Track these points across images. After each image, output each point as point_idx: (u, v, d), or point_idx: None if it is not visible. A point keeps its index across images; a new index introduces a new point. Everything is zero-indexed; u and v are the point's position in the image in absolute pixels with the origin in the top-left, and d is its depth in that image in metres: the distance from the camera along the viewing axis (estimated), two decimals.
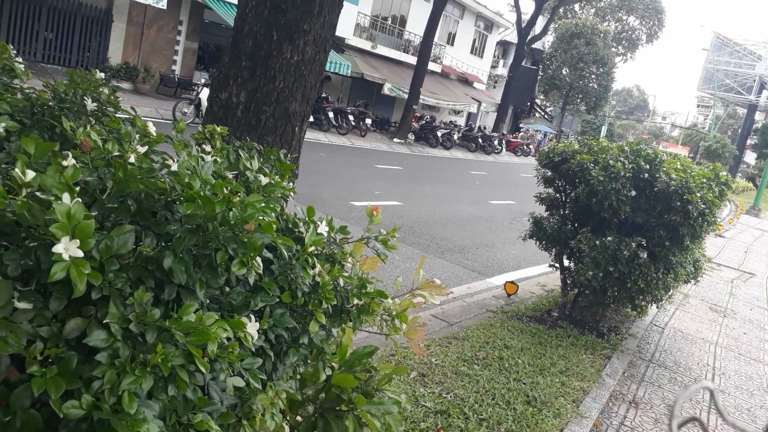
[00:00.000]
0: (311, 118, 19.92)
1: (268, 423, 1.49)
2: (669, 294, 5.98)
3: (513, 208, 14.25)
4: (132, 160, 1.41)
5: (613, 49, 47.50)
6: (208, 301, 1.40)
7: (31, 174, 1.14)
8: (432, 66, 29.00)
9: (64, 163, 1.25)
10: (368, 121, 23.54)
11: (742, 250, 15.23)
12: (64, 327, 1.14)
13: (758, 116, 62.79)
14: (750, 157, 63.15)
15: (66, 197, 1.10)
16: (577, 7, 48.52)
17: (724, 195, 5.73)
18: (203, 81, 16.89)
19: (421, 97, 26.36)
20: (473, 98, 33.97)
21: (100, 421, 1.07)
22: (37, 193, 1.16)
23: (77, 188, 1.23)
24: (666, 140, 76.09)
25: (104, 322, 1.14)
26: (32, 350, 1.08)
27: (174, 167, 1.50)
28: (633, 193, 5.37)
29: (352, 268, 2.01)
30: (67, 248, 1.04)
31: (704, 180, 5.44)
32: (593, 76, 45.13)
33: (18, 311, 1.10)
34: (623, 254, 5.24)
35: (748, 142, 59.74)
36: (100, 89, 2.19)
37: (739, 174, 56.12)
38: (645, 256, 5.27)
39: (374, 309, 1.93)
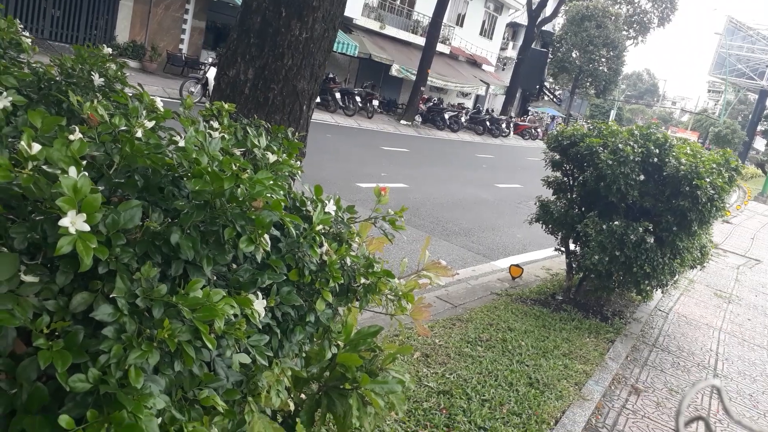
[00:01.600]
0: (318, 99, 19.86)
1: (273, 400, 1.50)
2: (675, 279, 5.97)
3: (519, 192, 14.20)
4: (139, 135, 1.40)
5: (624, 32, 46.90)
6: (215, 277, 1.40)
7: (37, 147, 1.13)
8: (440, 47, 28.74)
9: (71, 137, 1.24)
10: (375, 102, 23.40)
11: (749, 236, 15.16)
12: (70, 301, 1.14)
13: None
14: (760, 144, 62.63)
15: (72, 171, 1.10)
16: None
17: (733, 181, 5.69)
18: (210, 60, 16.80)
19: (429, 78, 26.16)
20: (482, 80, 33.70)
21: (106, 395, 1.07)
22: (44, 167, 1.15)
23: (84, 162, 1.23)
24: (675, 125, 75.49)
25: (111, 296, 1.14)
26: (39, 323, 1.08)
27: (181, 143, 1.49)
28: (641, 177, 5.33)
29: (358, 247, 2.00)
30: (73, 222, 1.04)
31: (714, 165, 5.40)
32: (603, 60, 44.62)
33: (24, 285, 1.10)
34: (630, 239, 5.22)
35: (759, 128, 59.16)
36: (108, 65, 2.18)
37: (748, 160, 55.67)
38: (652, 240, 5.25)
39: (381, 288, 1.93)
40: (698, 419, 1.37)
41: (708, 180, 5.08)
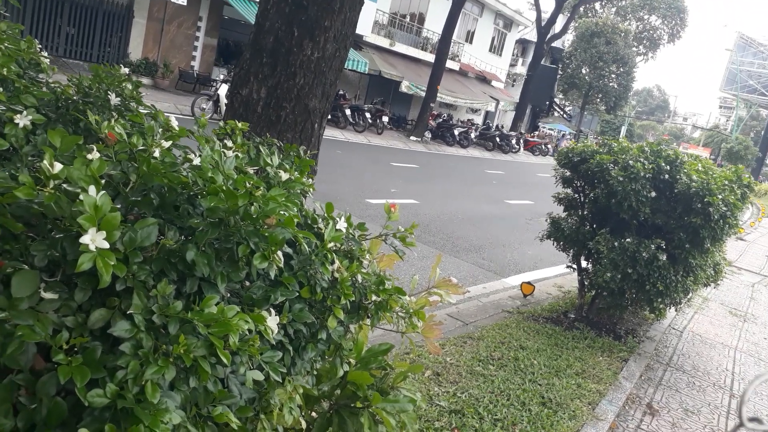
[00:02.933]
0: (328, 116, 19.98)
1: (286, 417, 1.51)
2: (688, 297, 5.91)
3: (530, 208, 14.17)
4: (156, 154, 1.43)
5: (634, 48, 46.97)
6: (228, 294, 1.42)
7: (58, 166, 1.16)
8: (450, 64, 28.91)
9: (89, 156, 1.27)
10: (385, 118, 23.53)
11: (763, 253, 15.00)
12: (88, 317, 1.16)
13: None
14: None
15: (92, 189, 1.12)
16: (597, 5, 48.11)
17: (746, 198, 5.65)
18: (222, 77, 17.00)
19: (438, 95, 26.30)
20: (491, 97, 33.80)
21: (123, 410, 1.09)
22: (64, 185, 1.18)
23: (102, 181, 1.25)
24: (687, 141, 75.11)
25: (128, 313, 1.16)
26: (58, 339, 1.10)
27: (196, 161, 1.52)
28: (653, 194, 5.32)
29: (369, 264, 2.01)
30: (93, 239, 1.06)
31: (726, 182, 5.37)
32: (613, 76, 44.66)
33: (44, 301, 1.12)
34: (642, 256, 5.19)
35: None
36: (123, 84, 2.22)
37: (762, 177, 55.25)
38: (664, 258, 5.22)
39: (392, 306, 1.93)
40: (755, 420, 1.37)
41: (720, 197, 5.05)
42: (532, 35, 38.62)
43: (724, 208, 5.05)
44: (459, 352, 4.65)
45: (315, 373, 1.87)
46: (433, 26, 29.30)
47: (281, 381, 1.46)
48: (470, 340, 4.97)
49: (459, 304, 6.03)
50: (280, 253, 1.38)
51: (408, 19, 29.14)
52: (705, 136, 72.97)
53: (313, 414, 1.99)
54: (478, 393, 3.99)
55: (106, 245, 1.07)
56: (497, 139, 30.23)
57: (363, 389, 1.76)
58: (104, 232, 1.07)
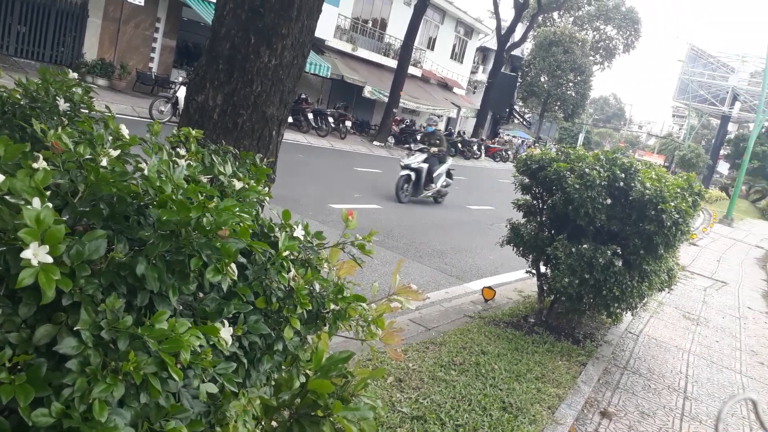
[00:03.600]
0: (290, 120, 19.87)
1: (240, 430, 1.48)
2: (643, 302, 6.07)
3: (492, 214, 14.34)
4: (104, 163, 1.39)
5: (591, 57, 48.23)
6: (181, 307, 1.39)
7: (0, 177, 1.11)
8: (412, 70, 29.10)
9: (35, 165, 1.22)
10: (348, 123, 23.53)
11: (715, 258, 15.51)
12: (33, 333, 1.11)
13: (731, 127, 64.13)
14: (723, 167, 64.35)
15: (36, 201, 1.08)
16: (556, 15, 49.22)
17: (697, 205, 5.83)
18: (181, 79, 16.73)
19: (401, 100, 26.43)
20: (453, 103, 34.16)
21: (70, 429, 1.05)
22: (7, 197, 1.14)
23: (48, 192, 1.21)
24: (642, 149, 77.28)
25: (75, 329, 1.12)
26: (1, 357, 1.05)
27: (146, 171, 1.48)
28: (608, 201, 5.44)
29: (328, 273, 2.00)
30: (36, 254, 1.02)
31: (678, 190, 5.54)
32: (571, 84, 45.77)
33: None
34: (599, 262, 5.30)
35: (721, 152, 60.93)
36: (74, 89, 2.16)
37: (713, 184, 57.21)
38: (620, 264, 5.34)
39: (351, 314, 1.92)
40: None
41: (673, 204, 5.20)
42: (492, 43, 39.20)
43: (677, 215, 5.20)
44: (421, 357, 4.66)
45: (273, 383, 1.84)
46: (395, 32, 29.47)
47: (237, 392, 1.43)
48: (432, 345, 4.99)
49: (422, 309, 6.05)
50: (233, 265, 1.36)
51: (370, 24, 29.24)
52: (659, 143, 75.19)
53: (273, 424, 1.96)
54: (440, 399, 4.01)
55: (50, 260, 1.03)
56: (459, 146, 30.55)
57: (324, 398, 1.75)
58: (47, 246, 1.04)
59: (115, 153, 1.43)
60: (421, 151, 13.38)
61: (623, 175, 5.52)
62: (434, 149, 13.50)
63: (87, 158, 1.39)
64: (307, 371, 1.76)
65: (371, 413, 1.79)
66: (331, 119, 22.25)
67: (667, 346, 6.75)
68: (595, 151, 6.17)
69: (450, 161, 14.35)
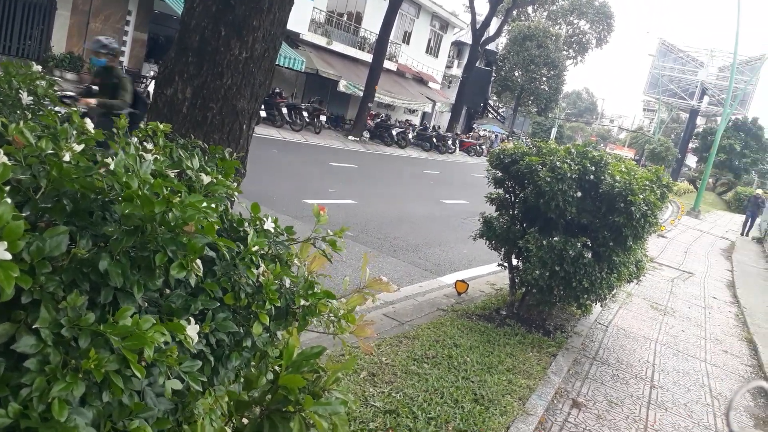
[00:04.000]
0: (264, 114, 19.68)
1: (207, 429, 1.47)
2: (612, 293, 6.17)
3: (465, 208, 14.42)
4: (67, 158, 1.36)
5: (564, 52, 48.69)
6: (146, 304, 1.37)
7: None
8: (387, 64, 29.05)
9: None
10: (323, 117, 23.41)
11: (682, 250, 15.84)
12: None
13: (699, 121, 65.38)
14: (691, 161, 65.66)
15: None
16: (530, 9, 49.56)
17: (665, 197, 5.95)
18: (152, 73, 16.48)
19: (376, 95, 26.38)
20: (428, 98, 34.20)
21: (28, 430, 1.03)
22: None
23: (7, 187, 1.19)
24: (613, 142, 78.38)
25: (34, 327, 1.10)
26: None
27: (113, 166, 1.46)
28: (579, 194, 5.52)
29: (298, 268, 1.99)
30: None
31: (647, 182, 5.64)
32: (544, 79, 46.16)
33: None
34: (569, 254, 5.37)
35: (690, 145, 62.10)
36: (37, 82, 2.11)
37: (682, 177, 58.32)
38: (590, 256, 5.42)
39: (321, 310, 1.92)
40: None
41: (641, 196, 5.29)
42: (467, 37, 39.33)
43: (645, 208, 5.29)
44: (395, 351, 4.68)
45: (242, 380, 1.83)
46: (371, 26, 29.36)
47: (202, 390, 1.42)
48: (406, 339, 5.01)
49: (395, 303, 6.07)
50: (199, 261, 1.34)
51: (345, 18, 29.08)
52: (630, 137, 76.33)
53: (244, 420, 1.96)
54: (413, 392, 4.03)
55: (8, 256, 1.01)
56: (434, 140, 30.63)
57: (294, 393, 1.75)
58: (5, 243, 1.01)
59: (79, 147, 1.41)
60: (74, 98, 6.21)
61: (593, 168, 5.59)
62: (92, 102, 5.98)
63: (49, 153, 1.36)
64: (275, 367, 1.75)
65: (343, 408, 1.79)
66: (305, 114, 22.12)
67: (635, 337, 6.88)
68: (567, 145, 6.25)
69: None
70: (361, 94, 25.89)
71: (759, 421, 5.27)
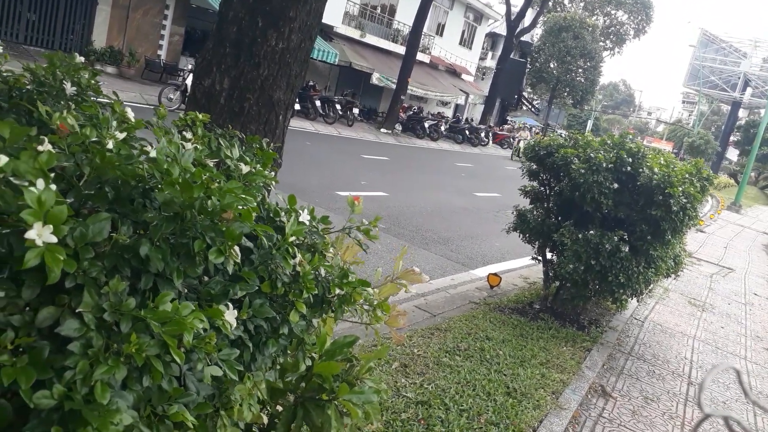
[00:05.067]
0: (298, 107, 19.81)
1: (245, 414, 1.49)
2: (649, 288, 6.04)
3: (498, 201, 14.30)
4: (110, 146, 1.38)
5: (601, 43, 47.76)
6: (186, 290, 1.39)
7: (4, 159, 1.11)
8: (420, 56, 28.92)
9: (40, 148, 1.22)
10: (355, 110, 23.46)
11: (722, 245, 15.42)
12: (36, 316, 1.12)
13: (741, 113, 63.47)
14: (732, 154, 63.78)
15: (41, 183, 1.08)
16: (566, 0, 48.66)
17: (705, 190, 5.79)
18: (190, 66, 16.70)
19: (409, 87, 26.30)
20: (461, 90, 33.96)
21: (71, 412, 1.05)
22: (11, 179, 1.14)
23: (52, 174, 1.21)
24: (651, 135, 76.74)
25: (77, 311, 1.13)
26: (2, 339, 1.06)
27: (153, 154, 1.48)
28: (615, 186, 5.41)
29: (333, 258, 2.00)
30: (40, 234, 1.02)
31: (686, 175, 5.50)
32: (580, 70, 45.37)
33: None
34: (605, 248, 5.28)
35: (731, 138, 60.37)
36: (81, 73, 2.15)
37: (722, 170, 56.77)
38: (626, 250, 5.32)
39: (356, 299, 1.92)
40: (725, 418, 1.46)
41: (681, 189, 5.16)
42: (501, 29, 38.86)
43: (684, 200, 5.16)
44: (426, 343, 4.68)
45: (278, 367, 1.85)
46: (404, 18, 29.25)
47: (238, 379, 1.43)
48: (438, 331, 5.00)
49: (427, 295, 6.06)
50: (237, 248, 1.35)
51: (379, 10, 29.03)
52: (668, 130, 74.53)
53: (279, 408, 1.97)
54: (445, 384, 4.02)
55: (54, 239, 1.03)
56: (467, 132, 30.41)
57: (329, 381, 1.76)
58: (51, 226, 1.04)
59: (121, 136, 1.43)
60: None
61: (630, 160, 5.48)
62: None
63: (93, 141, 1.39)
64: (313, 354, 1.76)
65: (376, 397, 1.79)
66: (338, 106, 22.20)
67: (672, 332, 6.73)
68: (603, 136, 6.13)
69: None
70: (393, 86, 25.84)
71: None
